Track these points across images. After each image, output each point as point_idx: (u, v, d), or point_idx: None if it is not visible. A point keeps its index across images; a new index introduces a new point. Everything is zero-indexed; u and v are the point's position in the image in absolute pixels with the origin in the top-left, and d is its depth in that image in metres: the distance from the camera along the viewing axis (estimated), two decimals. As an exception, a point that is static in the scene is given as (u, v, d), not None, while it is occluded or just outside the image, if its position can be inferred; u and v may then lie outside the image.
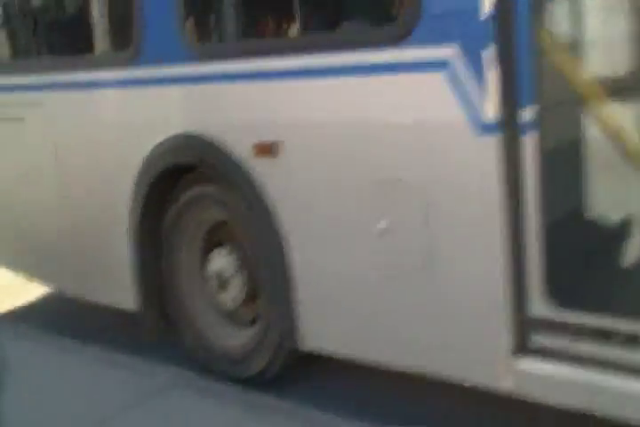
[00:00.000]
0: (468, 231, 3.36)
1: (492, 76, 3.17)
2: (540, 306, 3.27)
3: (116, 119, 4.59)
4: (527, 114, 3.14)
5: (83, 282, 5.05)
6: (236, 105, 3.99)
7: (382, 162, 3.54)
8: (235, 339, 4.47)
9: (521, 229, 3.25)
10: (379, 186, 3.57)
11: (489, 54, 3.16)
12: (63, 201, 4.95)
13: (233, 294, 4.39)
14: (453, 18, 3.22)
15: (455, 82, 3.25)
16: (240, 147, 3.99)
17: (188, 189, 4.40)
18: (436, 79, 3.30)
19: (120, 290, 4.73)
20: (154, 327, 4.71)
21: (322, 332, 3.96)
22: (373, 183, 3.58)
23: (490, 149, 3.23)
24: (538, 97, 3.13)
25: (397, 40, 3.37)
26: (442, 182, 3.38)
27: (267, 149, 3.88)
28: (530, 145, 3.17)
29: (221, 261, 4.41)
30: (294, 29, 3.81)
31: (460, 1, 3.20)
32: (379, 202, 3.58)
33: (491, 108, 3.19)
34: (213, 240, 4.56)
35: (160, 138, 4.30)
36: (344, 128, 3.63)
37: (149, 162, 4.39)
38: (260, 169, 3.94)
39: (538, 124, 3.15)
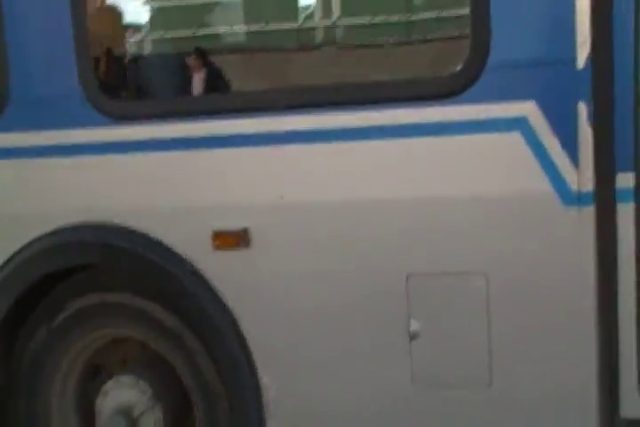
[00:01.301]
0: (548, 328, 2.74)
1: (585, 137, 2.67)
2: (635, 406, 2.75)
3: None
4: (625, 181, 2.67)
5: None
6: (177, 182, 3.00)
7: (425, 249, 2.81)
8: None
9: (615, 319, 2.73)
10: (415, 278, 2.84)
11: (581, 111, 2.65)
12: None
13: (146, 438, 3.25)
14: (533, 67, 2.67)
15: (536, 143, 2.68)
16: (185, 237, 3.00)
17: (75, 298, 3.22)
18: (511, 140, 2.71)
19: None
20: None
21: None
22: (410, 276, 2.83)
23: (581, 224, 2.69)
24: (637, 162, 2.69)
25: (454, 93, 2.73)
26: (512, 268, 2.73)
27: (235, 240, 2.95)
28: (629, 218, 2.69)
29: (126, 393, 3.26)
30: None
31: (542, 48, 2.67)
32: (412, 298, 2.84)
33: (582, 176, 2.68)
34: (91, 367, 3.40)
35: (37, 232, 3.12)
36: (369, 206, 2.84)
37: (15, 268, 3.16)
38: (223, 266, 2.98)
39: (638, 193, 2.69)
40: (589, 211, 2.67)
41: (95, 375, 3.41)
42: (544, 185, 2.69)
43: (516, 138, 2.70)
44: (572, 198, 2.67)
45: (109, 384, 3.27)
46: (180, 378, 3.22)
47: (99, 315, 3.22)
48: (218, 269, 2.97)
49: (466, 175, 2.76)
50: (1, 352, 3.26)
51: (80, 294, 3.20)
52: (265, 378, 2.97)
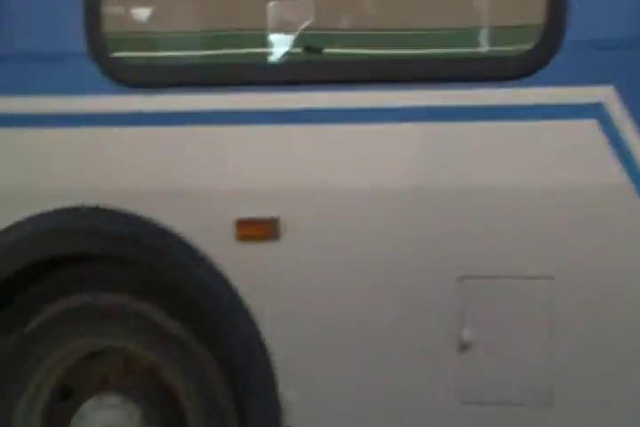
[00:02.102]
0: (623, 340, 2.41)
1: (668, 126, 2.43)
2: None
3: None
4: None
5: None
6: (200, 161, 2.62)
7: (481, 247, 2.47)
8: None
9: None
10: (469, 281, 2.50)
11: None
12: None
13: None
14: (613, 48, 2.44)
15: (613, 132, 2.43)
16: (203, 226, 2.59)
17: (56, 299, 2.73)
18: (585, 128, 2.45)
19: None
20: None
21: None
22: (462, 278, 2.49)
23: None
24: None
25: (523, 75, 2.46)
26: (581, 270, 2.43)
27: (262, 230, 2.56)
28: None
29: (109, 416, 2.75)
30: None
31: (625, 27, 2.45)
32: (464, 303, 2.50)
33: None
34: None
35: (25, 213, 2.65)
36: (418, 198, 2.50)
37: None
38: (247, 261, 2.57)
39: None
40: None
41: (66, 397, 2.92)
42: (620, 177, 2.44)
43: (590, 125, 2.46)
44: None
45: (88, 405, 2.77)
46: (174, 397, 2.78)
47: (83, 320, 2.74)
48: (240, 263, 2.56)
49: (532, 166, 2.47)
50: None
51: (63, 295, 2.73)
52: (289, 396, 2.55)
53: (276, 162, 2.57)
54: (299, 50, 2.73)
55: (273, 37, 2.71)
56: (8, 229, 2.66)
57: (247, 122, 2.57)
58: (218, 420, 2.65)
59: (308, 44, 2.71)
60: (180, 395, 2.73)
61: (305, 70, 2.63)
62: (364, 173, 2.54)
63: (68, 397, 2.90)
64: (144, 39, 2.85)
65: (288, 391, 2.55)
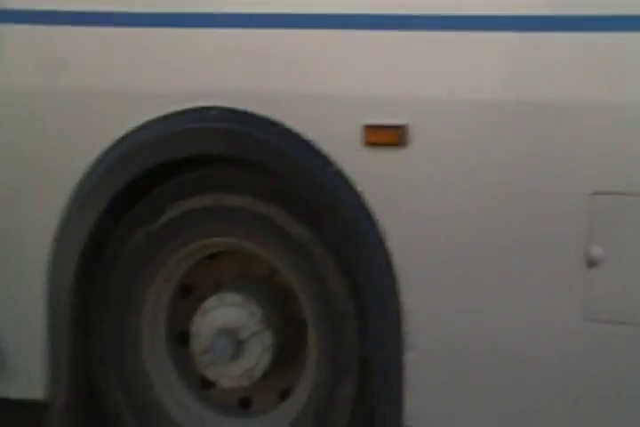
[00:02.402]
0: None
1: None
2: None
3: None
4: None
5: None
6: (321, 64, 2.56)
7: (616, 162, 2.37)
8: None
9: None
10: (602, 197, 2.41)
11: None
12: None
13: (248, 365, 2.82)
14: None
15: None
16: (329, 131, 2.55)
17: (180, 199, 2.76)
18: None
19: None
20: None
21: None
22: (595, 194, 2.40)
23: None
24: None
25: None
26: None
27: (391, 136, 2.52)
28: None
29: (232, 313, 2.83)
30: None
31: None
32: (596, 219, 2.43)
33: None
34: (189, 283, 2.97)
35: (154, 114, 2.65)
36: (553, 109, 2.39)
37: (120, 155, 2.69)
38: (373, 167, 2.55)
39: None
40: None
41: (186, 295, 3.00)
42: None
43: None
44: None
45: (210, 302, 2.84)
46: (293, 299, 2.83)
47: (207, 220, 2.77)
48: (367, 169, 2.53)
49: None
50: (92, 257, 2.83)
51: (188, 195, 2.76)
52: (409, 303, 2.54)
53: (408, 69, 2.49)
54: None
55: None
56: (138, 130, 2.68)
57: (378, 27, 2.50)
58: (337, 324, 2.68)
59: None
60: (300, 298, 2.77)
61: None
62: (497, 84, 2.45)
63: (188, 295, 3.00)
64: None
65: (408, 298, 2.55)
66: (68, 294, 2.78)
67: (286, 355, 2.89)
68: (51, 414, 2.88)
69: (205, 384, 2.98)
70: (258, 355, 2.80)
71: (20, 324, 2.85)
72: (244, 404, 3.00)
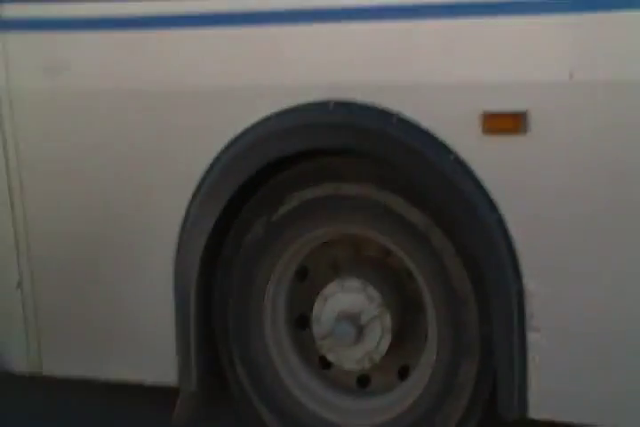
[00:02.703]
0: None
1: None
2: None
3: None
4: None
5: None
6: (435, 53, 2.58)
7: None
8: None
9: None
10: None
11: None
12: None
13: (369, 348, 2.90)
14: None
15: None
16: (449, 119, 2.59)
17: (299, 189, 2.84)
18: None
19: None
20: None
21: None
22: None
23: None
24: None
25: None
26: None
27: (510, 123, 2.54)
28: None
29: (352, 299, 2.90)
30: None
31: None
32: None
33: None
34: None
35: (272, 109, 2.72)
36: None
37: (245, 149, 2.77)
38: (493, 154, 2.58)
39: None
40: None
41: (303, 278, 3.09)
42: None
43: None
44: None
45: (330, 288, 2.93)
46: (409, 283, 2.91)
47: (326, 209, 2.84)
48: (486, 157, 2.56)
49: None
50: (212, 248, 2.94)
51: (307, 185, 2.83)
52: (531, 284, 2.57)
53: (524, 55, 2.50)
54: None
55: None
56: (257, 125, 2.74)
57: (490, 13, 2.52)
58: (458, 306, 2.74)
59: None
60: (418, 281, 2.83)
61: None
62: (608, 67, 2.45)
63: (304, 278, 3.09)
64: None
65: (531, 281, 2.60)
66: (193, 284, 2.89)
67: (405, 336, 2.97)
68: (181, 398, 3.03)
69: (324, 364, 3.09)
70: (378, 338, 2.88)
71: (150, 314, 2.98)
72: (363, 383, 3.10)
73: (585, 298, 2.56)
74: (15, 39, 2.95)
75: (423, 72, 2.61)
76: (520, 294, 2.60)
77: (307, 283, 3.08)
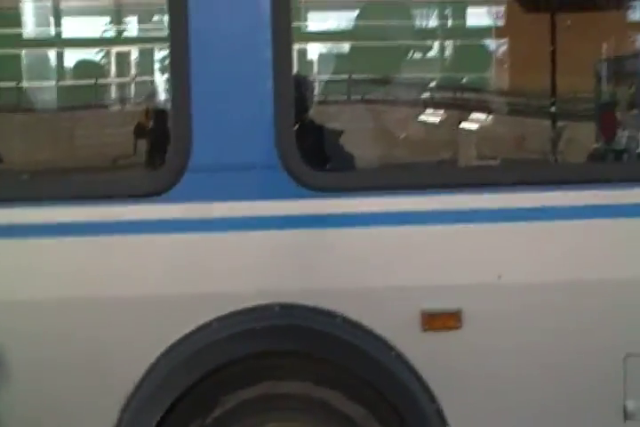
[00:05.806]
0: None
1: None
2: None
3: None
4: None
5: None
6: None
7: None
8: None
9: None
10: (634, 359, 2.77)
11: None
12: None
13: None
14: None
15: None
16: (390, 318, 2.77)
17: (235, 389, 2.82)
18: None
19: None
20: None
21: None
22: (627, 357, 2.78)
23: None
24: None
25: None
26: None
27: (447, 321, 2.76)
28: None
29: None
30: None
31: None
32: (629, 379, 2.79)
33: None
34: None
35: (215, 314, 2.75)
36: (586, 286, 2.79)
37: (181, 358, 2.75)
38: (431, 349, 2.78)
39: None
40: None
41: None
42: None
43: None
44: None
45: None
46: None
47: (264, 408, 2.86)
48: (425, 352, 2.78)
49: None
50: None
51: (244, 385, 2.84)
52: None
53: (458, 259, 2.79)
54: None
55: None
56: (197, 331, 2.75)
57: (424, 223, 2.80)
58: None
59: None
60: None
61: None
62: (535, 268, 2.79)
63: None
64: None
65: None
66: None
67: None
68: None
69: None
70: None
71: None
72: None
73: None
74: None
75: (363, 275, 2.79)
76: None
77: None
